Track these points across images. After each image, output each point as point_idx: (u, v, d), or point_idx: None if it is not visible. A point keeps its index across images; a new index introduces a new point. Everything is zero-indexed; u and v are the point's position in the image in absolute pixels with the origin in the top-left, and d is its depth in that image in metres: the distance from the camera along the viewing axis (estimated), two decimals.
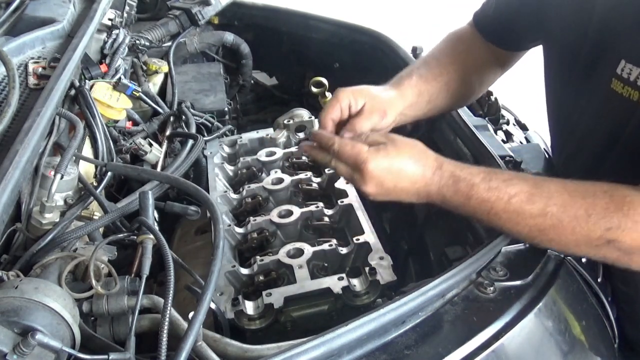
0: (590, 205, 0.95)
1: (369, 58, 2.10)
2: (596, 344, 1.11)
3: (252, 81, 2.52)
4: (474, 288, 1.01)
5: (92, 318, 0.95)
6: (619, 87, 1.08)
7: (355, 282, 1.08)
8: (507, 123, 1.54)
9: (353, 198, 1.28)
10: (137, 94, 1.56)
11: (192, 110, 1.70)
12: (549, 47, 1.32)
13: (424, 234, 1.59)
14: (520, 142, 1.53)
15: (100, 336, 0.90)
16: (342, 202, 1.28)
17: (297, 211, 1.26)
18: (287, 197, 1.37)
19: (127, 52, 1.80)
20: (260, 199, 1.36)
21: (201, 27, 2.29)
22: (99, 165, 1.30)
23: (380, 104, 1.21)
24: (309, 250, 1.16)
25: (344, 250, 1.17)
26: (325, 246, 1.17)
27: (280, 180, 1.37)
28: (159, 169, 1.49)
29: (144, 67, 1.91)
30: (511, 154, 1.31)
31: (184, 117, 1.64)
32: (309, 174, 1.40)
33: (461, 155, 1.41)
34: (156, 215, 1.25)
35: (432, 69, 1.35)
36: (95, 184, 1.26)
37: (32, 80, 1.36)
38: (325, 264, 1.16)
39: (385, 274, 1.07)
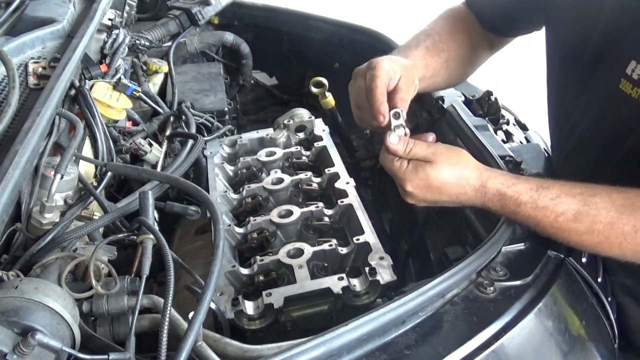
0: (638, 221, 0.97)
1: (369, 58, 2.08)
2: (596, 344, 1.11)
3: (252, 81, 2.52)
4: (474, 288, 1.01)
5: (92, 318, 0.95)
6: (627, 88, 1.08)
7: (355, 282, 1.08)
8: (507, 123, 1.54)
9: (353, 198, 1.28)
10: (137, 94, 1.56)
11: (192, 110, 1.70)
12: (553, 44, 1.31)
13: (424, 234, 1.59)
14: (520, 142, 1.53)
15: (100, 336, 0.90)
16: (342, 202, 1.28)
17: (297, 211, 1.26)
18: (287, 197, 1.37)
19: (127, 52, 1.79)
20: (260, 199, 1.35)
21: (201, 27, 2.29)
22: (99, 165, 1.30)
23: (411, 75, 1.23)
24: (309, 250, 1.15)
25: (344, 250, 1.17)
26: (325, 246, 1.17)
27: (280, 180, 1.37)
28: (159, 169, 1.49)
29: (144, 67, 1.91)
30: (511, 154, 1.30)
31: (184, 117, 1.64)
32: (309, 174, 1.40)
33: None
34: (156, 215, 1.25)
35: (436, 43, 1.36)
36: (95, 184, 1.26)
37: (32, 80, 1.36)
38: (325, 264, 1.16)
39: (385, 274, 1.07)
